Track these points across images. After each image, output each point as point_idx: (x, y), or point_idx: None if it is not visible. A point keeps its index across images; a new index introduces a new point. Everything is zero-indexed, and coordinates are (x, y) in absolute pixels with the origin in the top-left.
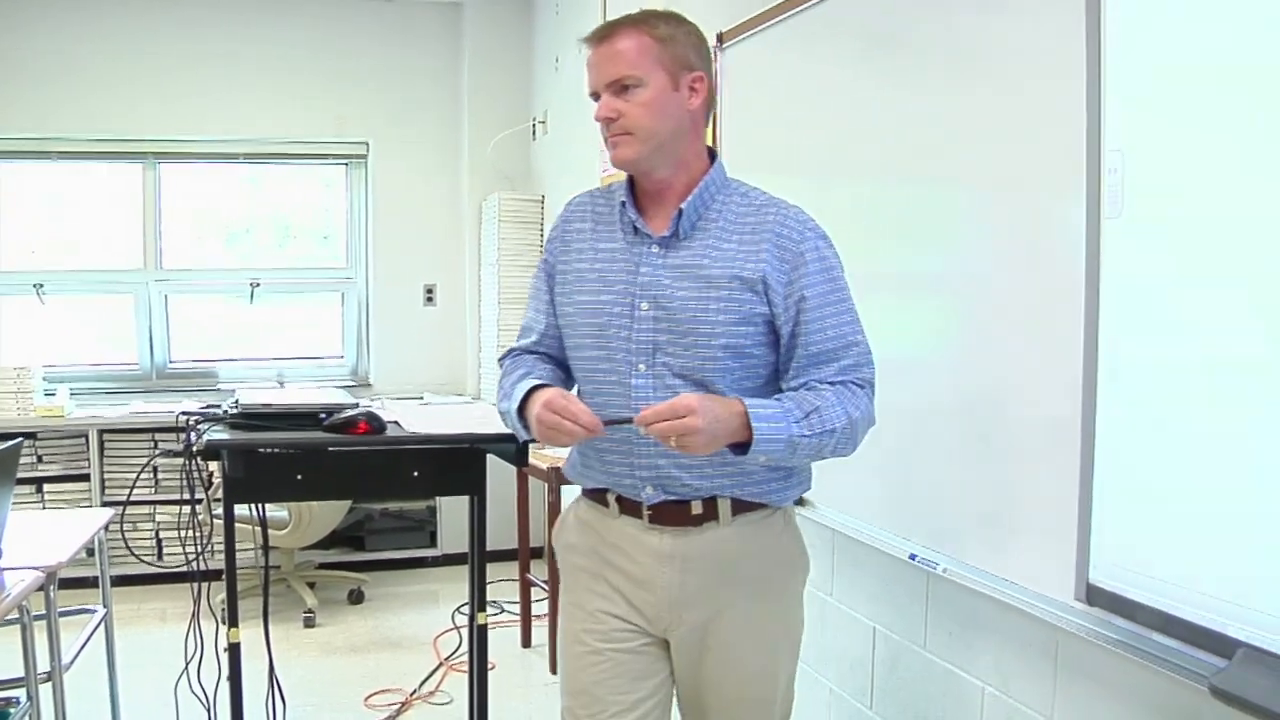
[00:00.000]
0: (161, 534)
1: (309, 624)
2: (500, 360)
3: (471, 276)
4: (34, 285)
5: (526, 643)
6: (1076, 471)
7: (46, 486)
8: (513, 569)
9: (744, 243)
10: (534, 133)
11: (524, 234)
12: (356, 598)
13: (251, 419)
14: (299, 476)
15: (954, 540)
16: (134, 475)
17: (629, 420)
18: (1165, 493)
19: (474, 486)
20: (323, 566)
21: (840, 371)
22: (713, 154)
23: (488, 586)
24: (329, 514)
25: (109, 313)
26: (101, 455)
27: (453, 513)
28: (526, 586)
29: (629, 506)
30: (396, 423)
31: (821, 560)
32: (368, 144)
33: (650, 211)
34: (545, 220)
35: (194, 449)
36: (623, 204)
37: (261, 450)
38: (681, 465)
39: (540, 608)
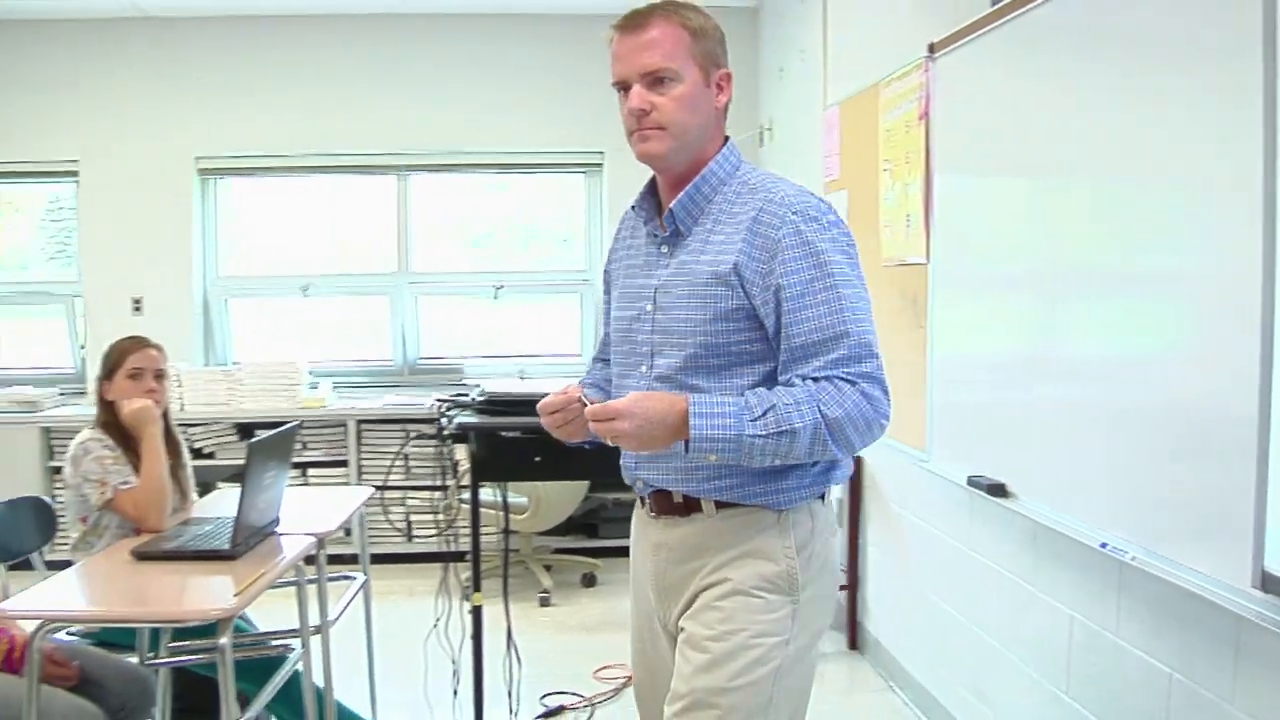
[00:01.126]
0: (411, 517)
1: (544, 603)
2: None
3: None
4: (301, 287)
5: None
6: (1253, 465)
7: (310, 471)
8: None
9: (729, 234)
10: (760, 139)
11: None
12: (589, 581)
13: (496, 406)
14: (537, 458)
15: (1142, 530)
16: (388, 461)
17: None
18: None
19: None
20: (558, 551)
21: (828, 366)
22: (726, 140)
23: None
24: (564, 501)
25: (366, 312)
26: (359, 443)
27: None
28: None
29: (640, 499)
30: None
31: (1024, 552)
32: (603, 152)
33: (668, 208)
34: None
35: (445, 432)
36: (632, 208)
37: (504, 434)
38: (647, 464)
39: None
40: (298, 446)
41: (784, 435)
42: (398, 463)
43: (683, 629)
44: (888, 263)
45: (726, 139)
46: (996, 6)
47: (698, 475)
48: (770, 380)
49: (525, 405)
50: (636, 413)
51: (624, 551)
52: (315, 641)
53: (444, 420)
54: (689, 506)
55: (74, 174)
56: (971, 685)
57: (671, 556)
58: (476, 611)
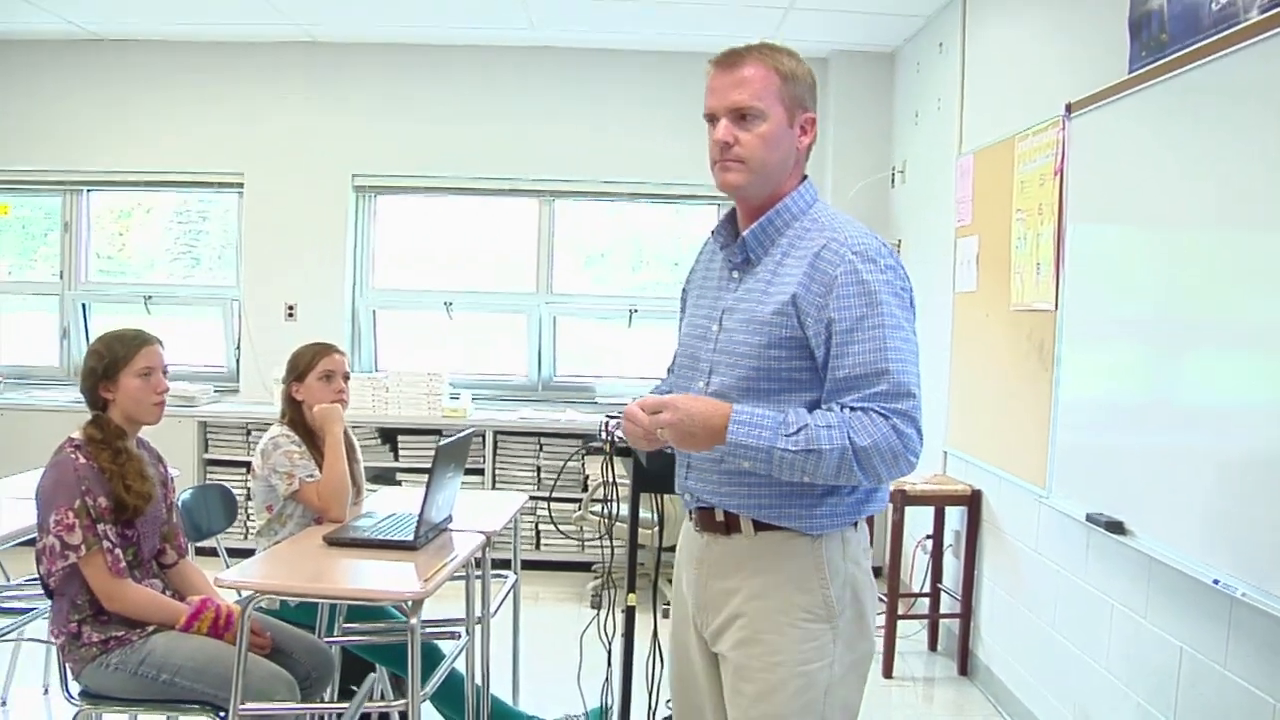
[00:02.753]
0: (541, 526)
1: (666, 615)
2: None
3: None
4: (444, 303)
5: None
6: None
7: None
8: None
9: (793, 266)
10: (893, 181)
11: None
12: None
13: None
14: None
15: (1253, 568)
16: (522, 471)
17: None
18: None
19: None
20: None
21: (866, 399)
22: (804, 179)
23: None
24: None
25: (505, 329)
26: (495, 453)
27: None
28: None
29: (689, 511)
30: None
31: (1137, 586)
32: None
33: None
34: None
35: (615, 445)
36: (712, 234)
37: (666, 449)
38: (698, 478)
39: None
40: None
41: (811, 454)
42: (533, 474)
43: (726, 656)
44: (1016, 307)
45: (805, 178)
46: (1134, 73)
47: (739, 492)
48: (812, 407)
49: None
50: (681, 408)
51: None
52: (476, 632)
53: (613, 436)
54: (729, 525)
55: (239, 185)
56: (1080, 713)
57: (711, 572)
58: (630, 611)
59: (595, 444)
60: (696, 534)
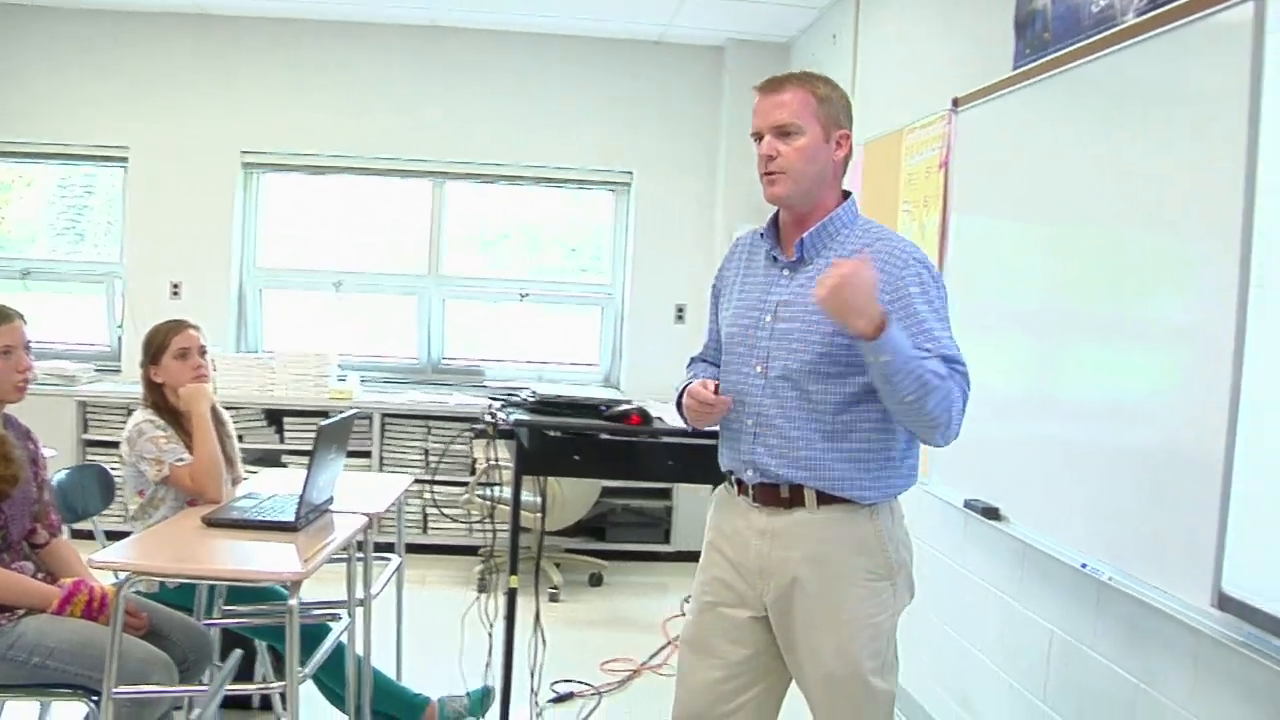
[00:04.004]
0: (428, 510)
1: (554, 599)
2: (687, 367)
3: None
4: (333, 283)
5: None
6: (1217, 500)
7: None
8: None
9: None
10: None
11: None
12: (596, 581)
13: (546, 406)
14: (577, 456)
15: (1118, 554)
16: (408, 454)
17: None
18: None
19: (716, 477)
20: (568, 551)
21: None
22: (846, 194)
23: None
24: (577, 503)
25: (394, 310)
26: (382, 436)
27: (686, 512)
28: None
29: (742, 487)
30: (660, 418)
31: (1010, 570)
32: (632, 173)
33: (789, 241)
34: None
35: (499, 428)
36: (761, 235)
37: (548, 432)
38: (766, 453)
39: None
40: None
41: (930, 374)
42: (420, 457)
43: (796, 618)
44: None
45: (848, 194)
46: (1018, 70)
47: (807, 466)
48: (870, 392)
49: (571, 408)
50: (858, 275)
51: (626, 555)
52: (358, 614)
53: (498, 417)
54: (793, 500)
55: (123, 159)
56: (958, 694)
57: (777, 542)
58: (512, 593)
59: (480, 426)
60: (754, 508)
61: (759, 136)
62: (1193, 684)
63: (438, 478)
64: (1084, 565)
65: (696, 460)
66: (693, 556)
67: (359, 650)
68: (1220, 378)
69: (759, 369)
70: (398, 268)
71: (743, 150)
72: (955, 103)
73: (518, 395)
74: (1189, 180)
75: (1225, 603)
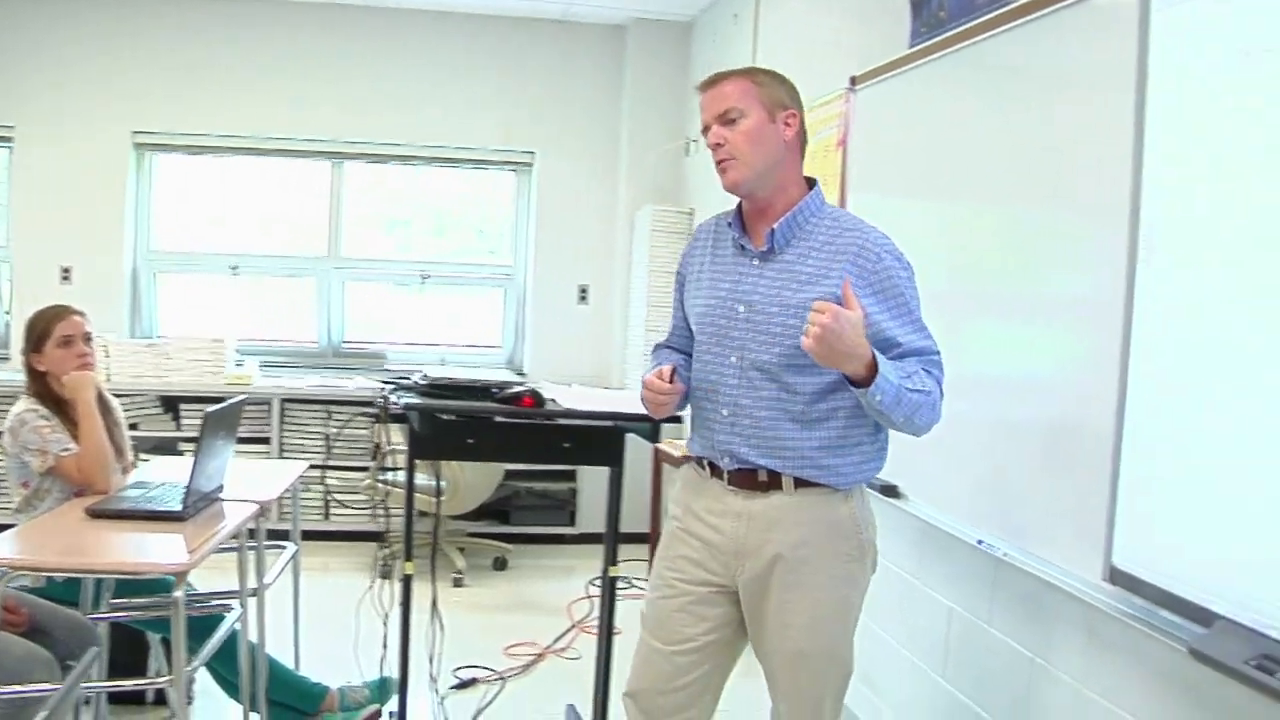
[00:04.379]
0: (331, 496)
1: (457, 584)
2: (652, 353)
3: (621, 279)
4: (230, 266)
5: None
6: (1108, 476)
7: (234, 447)
8: (644, 550)
9: (828, 259)
10: (687, 149)
11: (673, 243)
12: (500, 565)
13: (437, 390)
14: (470, 440)
15: (1013, 530)
16: (309, 440)
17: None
18: (1170, 490)
19: (614, 459)
20: (472, 535)
21: (924, 364)
22: (811, 182)
23: (622, 564)
24: (480, 486)
25: (293, 294)
26: (282, 421)
27: (591, 494)
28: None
29: (716, 471)
30: (554, 400)
31: (910, 549)
32: (534, 153)
33: (754, 230)
34: (694, 232)
35: (391, 411)
36: (728, 224)
37: (441, 415)
38: (743, 442)
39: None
40: None
41: (921, 394)
42: (322, 442)
43: (772, 595)
44: None
45: (814, 183)
46: (914, 48)
47: (784, 454)
48: (844, 382)
49: (463, 391)
50: (842, 323)
51: (531, 539)
52: (251, 603)
53: (390, 400)
54: (770, 484)
55: (8, 140)
56: (861, 672)
57: (754, 525)
58: (407, 580)
59: (364, 411)
60: (728, 492)
61: (707, 129)
62: (1086, 657)
63: (341, 463)
64: (980, 542)
65: (593, 442)
66: (598, 539)
67: (253, 639)
68: (1110, 352)
69: (734, 359)
70: (296, 250)
71: (645, 130)
72: (853, 81)
73: (410, 379)
74: (1079, 157)
75: (1116, 576)
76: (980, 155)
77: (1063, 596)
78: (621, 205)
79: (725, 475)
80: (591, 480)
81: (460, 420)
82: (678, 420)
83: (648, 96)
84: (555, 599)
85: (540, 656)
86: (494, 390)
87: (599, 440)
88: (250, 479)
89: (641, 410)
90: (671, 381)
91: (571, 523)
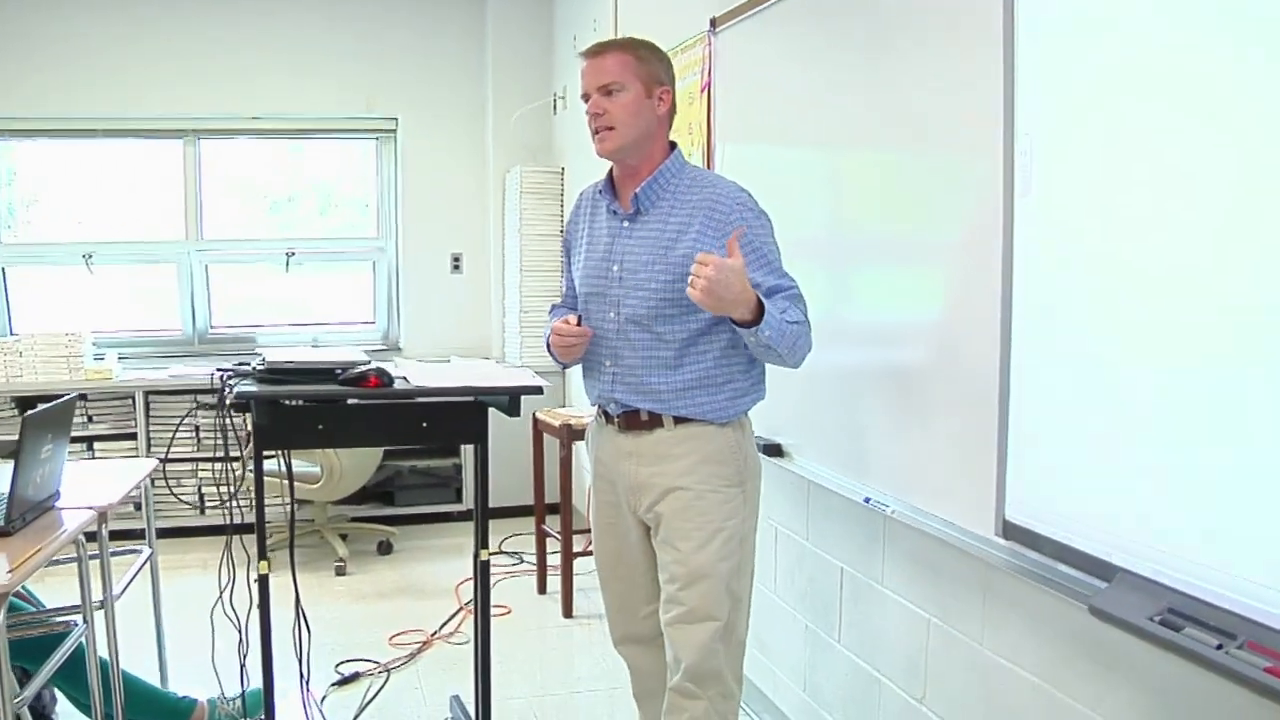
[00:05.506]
0: (204, 489)
1: (340, 573)
2: (549, 314)
3: (496, 245)
4: (83, 256)
5: (542, 589)
6: (995, 424)
7: (97, 444)
8: (530, 523)
9: (686, 215)
10: (555, 107)
11: (545, 205)
12: (385, 549)
13: (276, 374)
14: (320, 426)
15: (900, 485)
16: (184, 433)
17: None
18: (1062, 439)
19: (477, 436)
20: (355, 520)
21: (787, 298)
22: (673, 145)
23: (510, 539)
24: (359, 469)
25: (153, 281)
26: (147, 415)
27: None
28: (542, 538)
29: (608, 417)
30: (405, 378)
31: (797, 509)
32: (397, 119)
33: (624, 194)
34: (565, 191)
35: (227, 401)
36: (600, 191)
37: (287, 402)
38: (625, 389)
39: (554, 559)
40: (82, 419)
41: (799, 325)
42: (188, 435)
43: (665, 523)
44: None
45: (674, 145)
46: None
47: (660, 396)
48: (712, 326)
49: (308, 374)
50: (725, 273)
51: (418, 519)
52: (99, 617)
53: (226, 389)
54: (653, 423)
55: None
56: (754, 637)
57: (642, 460)
58: (263, 580)
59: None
60: (621, 434)
61: (587, 98)
62: (984, 616)
63: (205, 455)
64: (867, 500)
65: (453, 419)
66: (489, 514)
67: (104, 656)
68: (990, 293)
69: (612, 315)
70: (154, 236)
71: (510, 89)
72: (713, 23)
73: (248, 364)
74: (950, 93)
75: (1010, 531)
76: (849, 98)
77: (956, 554)
78: (490, 168)
79: (616, 420)
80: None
81: (309, 406)
82: (539, 391)
83: (511, 54)
84: (444, 580)
85: (426, 644)
86: (337, 371)
87: (459, 417)
88: (102, 481)
89: (499, 382)
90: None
91: (458, 499)
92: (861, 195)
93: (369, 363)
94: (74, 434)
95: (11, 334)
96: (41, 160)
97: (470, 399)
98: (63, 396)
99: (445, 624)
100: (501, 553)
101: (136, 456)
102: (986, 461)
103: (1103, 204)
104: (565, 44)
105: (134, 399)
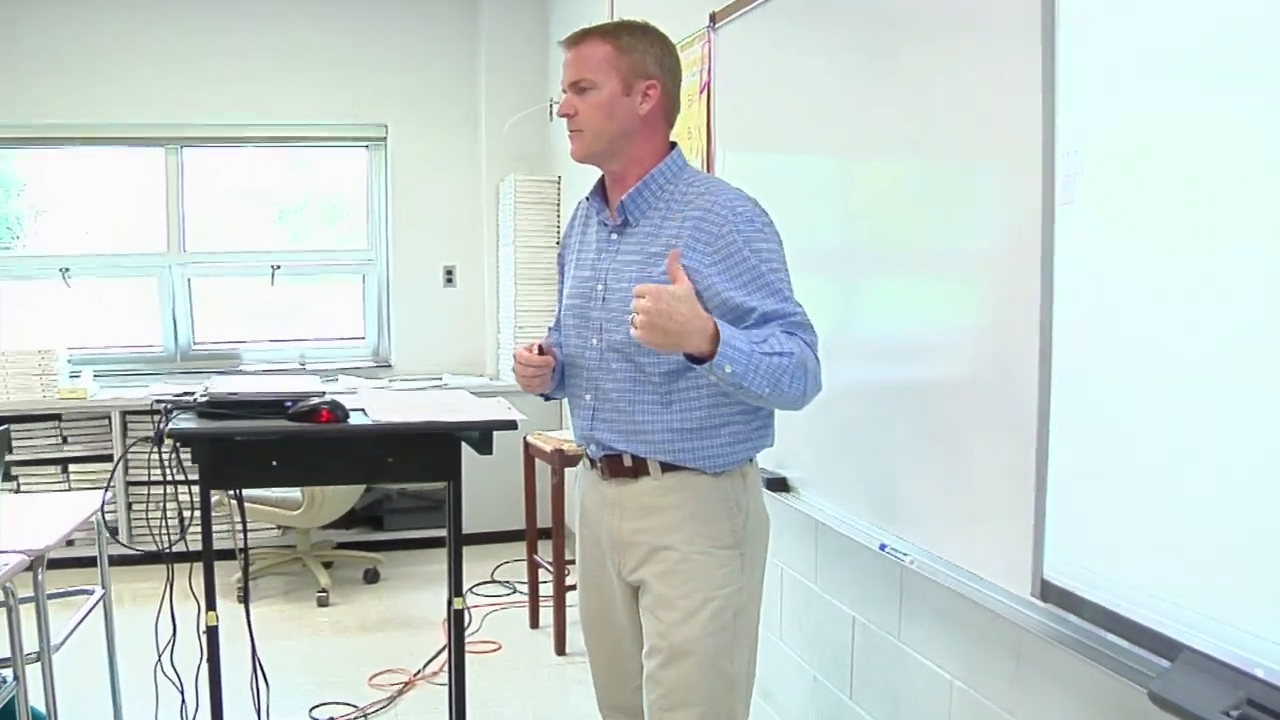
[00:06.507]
0: (185, 515)
1: (322, 603)
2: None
3: (490, 257)
4: (60, 269)
5: (535, 624)
6: (1033, 467)
7: (72, 467)
8: (523, 549)
9: (677, 228)
10: (550, 114)
11: (541, 215)
12: (371, 577)
13: (219, 408)
14: (274, 462)
15: (922, 532)
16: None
17: None
18: (1113, 482)
19: (449, 472)
20: (341, 546)
21: (786, 327)
22: (673, 147)
23: (501, 567)
24: (343, 495)
25: (133, 296)
26: (125, 436)
27: (470, 494)
28: (534, 569)
29: (591, 461)
30: (363, 410)
31: (805, 550)
32: (386, 126)
33: (614, 203)
34: (561, 201)
35: (164, 437)
36: (587, 198)
37: (236, 437)
38: (606, 427)
39: (547, 589)
40: (56, 440)
41: (781, 356)
42: (177, 454)
43: (648, 589)
44: None
45: (674, 145)
46: None
47: (645, 438)
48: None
49: (254, 407)
50: (665, 300)
51: (408, 544)
52: (35, 671)
53: (165, 420)
54: (637, 470)
55: None
56: (758, 687)
57: (625, 514)
58: (211, 633)
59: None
60: (603, 481)
61: (565, 92)
62: (1017, 686)
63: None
64: (884, 547)
65: (421, 454)
66: (480, 539)
67: (40, 713)
68: (1029, 310)
69: (594, 341)
70: (134, 248)
71: (504, 94)
72: (713, 18)
73: (193, 395)
74: (979, 92)
75: (1048, 591)
76: (862, 96)
77: (985, 613)
78: (484, 177)
79: (598, 465)
80: (470, 475)
81: (259, 441)
82: (512, 426)
83: (505, 57)
84: (430, 611)
85: (409, 684)
86: (287, 405)
87: (429, 450)
88: (43, 519)
89: (467, 416)
90: (541, 354)
91: None
92: (877, 203)
93: (323, 395)
94: (47, 456)
95: None
96: (13, 170)
97: (446, 433)
98: (33, 417)
99: (429, 663)
100: (493, 582)
101: (114, 480)
102: (1022, 507)
103: (1160, 212)
104: (559, 48)
105: (110, 419)
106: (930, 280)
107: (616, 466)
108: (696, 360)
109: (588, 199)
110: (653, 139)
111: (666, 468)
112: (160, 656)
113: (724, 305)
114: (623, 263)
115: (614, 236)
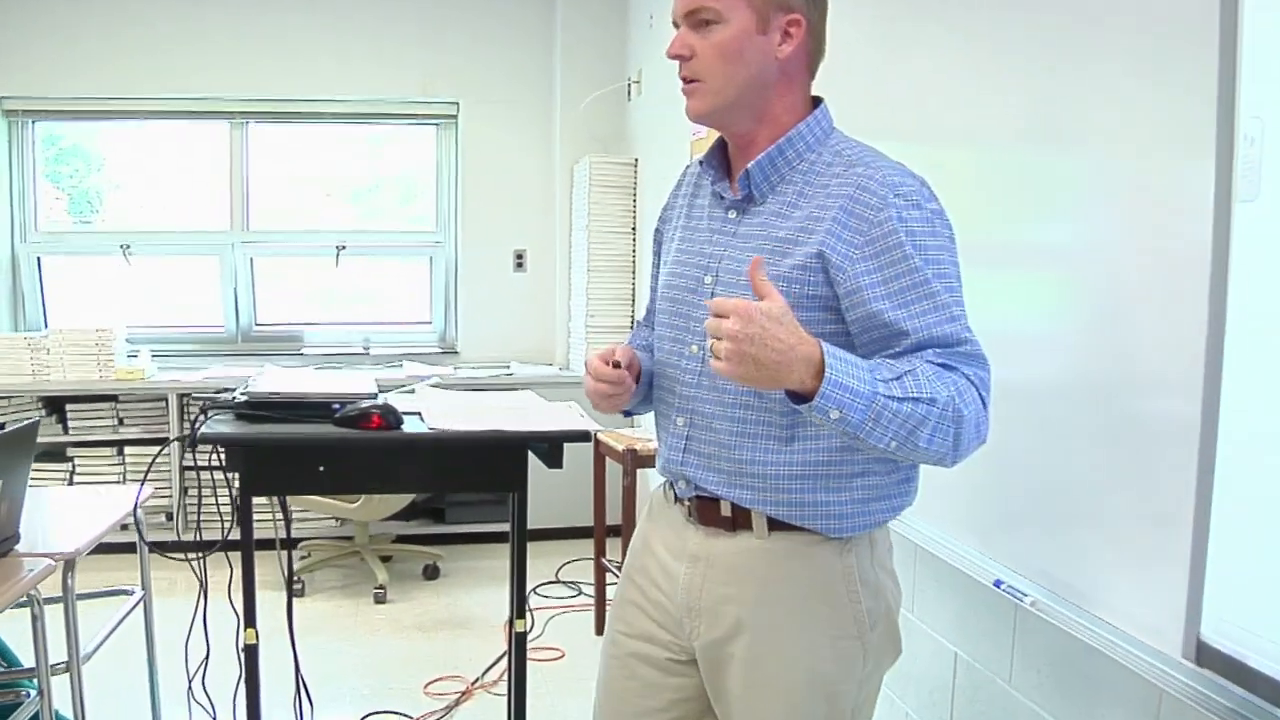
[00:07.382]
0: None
1: (379, 600)
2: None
3: (562, 242)
4: (121, 246)
5: (600, 630)
6: (1192, 504)
7: (127, 450)
8: (589, 546)
9: (817, 209)
10: (629, 93)
11: (617, 199)
12: (431, 573)
13: (258, 411)
14: (321, 468)
15: (1047, 571)
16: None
17: None
18: None
19: (514, 483)
20: (400, 539)
21: (947, 357)
22: (818, 103)
23: (567, 566)
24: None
25: (195, 274)
26: (181, 419)
27: (536, 488)
28: (601, 573)
29: (678, 498)
30: (420, 415)
31: (902, 573)
32: (458, 104)
33: (737, 172)
34: (639, 185)
35: (198, 441)
36: (700, 163)
37: (273, 445)
38: (700, 462)
39: (614, 590)
40: (112, 422)
41: (921, 403)
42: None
43: (729, 673)
44: None
45: (819, 100)
46: None
47: (752, 483)
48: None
49: (297, 409)
50: (758, 320)
51: (471, 538)
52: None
53: (197, 424)
54: (736, 521)
55: None
56: None
57: (711, 575)
58: (250, 651)
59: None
60: (689, 524)
61: (677, 27)
62: None
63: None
64: (998, 583)
65: (482, 462)
66: (546, 535)
67: None
68: (1193, 328)
69: (693, 349)
70: (196, 225)
71: (581, 72)
72: None
73: (233, 394)
74: (1136, 78)
75: (1204, 655)
76: (963, 88)
77: (1119, 668)
78: (557, 159)
79: (686, 504)
80: (538, 467)
81: (304, 446)
82: (585, 438)
83: (581, 36)
84: (491, 612)
85: (466, 693)
86: (335, 408)
87: (492, 459)
88: (79, 516)
89: (535, 426)
90: (618, 367)
91: None
92: (1013, 187)
93: (374, 396)
94: (102, 439)
95: (45, 328)
96: (78, 142)
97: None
98: (91, 397)
99: (488, 670)
100: (557, 582)
101: (168, 464)
102: (1176, 553)
103: None
104: (640, 24)
105: (167, 401)
106: (1061, 286)
107: (710, 513)
108: (797, 399)
109: (701, 162)
110: (792, 91)
111: (775, 524)
112: (191, 679)
113: (869, 319)
114: (740, 250)
115: (732, 214)
